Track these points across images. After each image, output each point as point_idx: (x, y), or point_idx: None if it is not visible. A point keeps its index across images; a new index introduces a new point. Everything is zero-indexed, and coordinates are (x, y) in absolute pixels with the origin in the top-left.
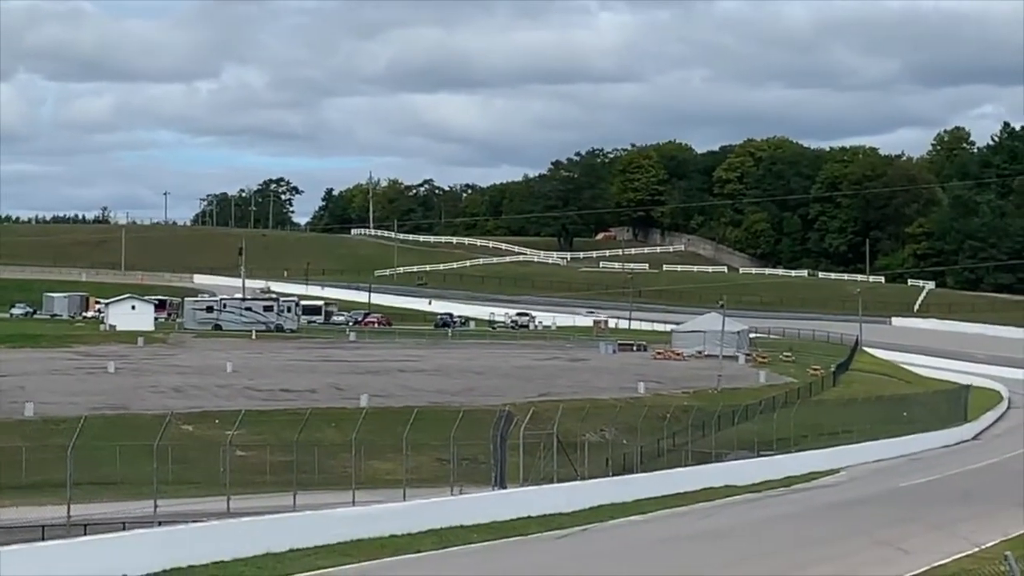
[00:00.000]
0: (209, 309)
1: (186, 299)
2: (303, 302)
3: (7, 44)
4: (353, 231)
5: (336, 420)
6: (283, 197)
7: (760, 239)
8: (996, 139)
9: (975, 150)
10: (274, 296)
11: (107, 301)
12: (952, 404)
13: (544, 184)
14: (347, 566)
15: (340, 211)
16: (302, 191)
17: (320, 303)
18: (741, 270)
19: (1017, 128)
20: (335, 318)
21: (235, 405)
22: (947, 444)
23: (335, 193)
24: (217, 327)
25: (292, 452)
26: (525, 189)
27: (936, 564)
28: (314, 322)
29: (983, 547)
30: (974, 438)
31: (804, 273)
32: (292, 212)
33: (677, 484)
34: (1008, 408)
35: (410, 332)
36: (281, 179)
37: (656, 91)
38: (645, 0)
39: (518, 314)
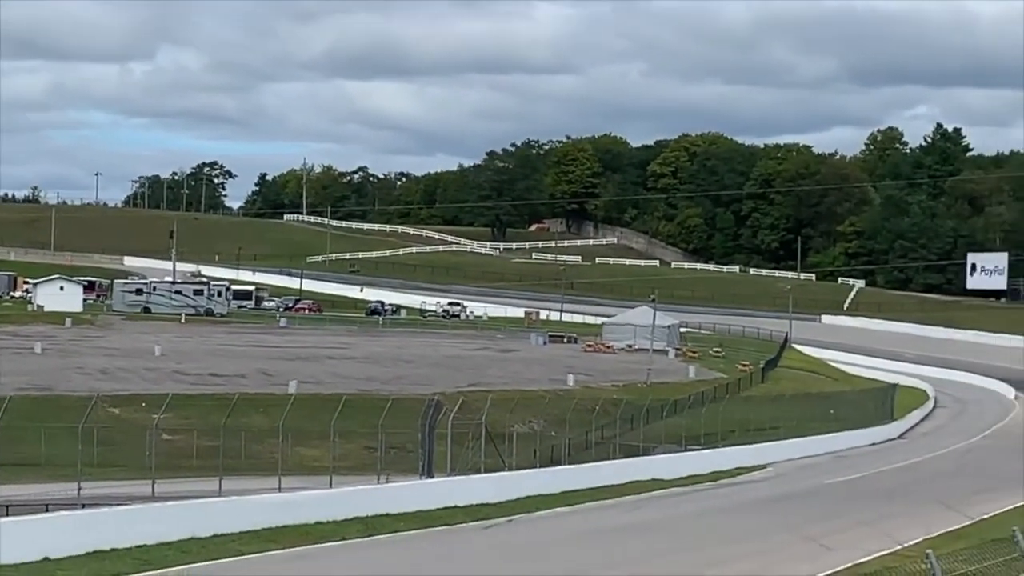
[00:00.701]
0: (139, 292)
1: (116, 281)
2: (234, 287)
3: None
4: (286, 216)
5: (264, 406)
6: (216, 181)
7: (693, 234)
8: (928, 140)
9: (908, 150)
10: (205, 280)
11: (35, 281)
12: (879, 403)
13: (479, 174)
14: (272, 552)
15: (273, 196)
16: (235, 175)
17: (251, 288)
18: (673, 265)
19: (949, 130)
20: (266, 303)
21: (163, 388)
22: (873, 442)
23: (269, 178)
24: (146, 310)
25: (219, 437)
26: (460, 179)
27: (859, 561)
28: (244, 307)
29: (906, 545)
30: (900, 437)
31: (736, 269)
32: (225, 196)
33: (604, 477)
34: (934, 407)
35: (341, 319)
36: (215, 163)
37: (593, 84)
38: None
39: (450, 303)
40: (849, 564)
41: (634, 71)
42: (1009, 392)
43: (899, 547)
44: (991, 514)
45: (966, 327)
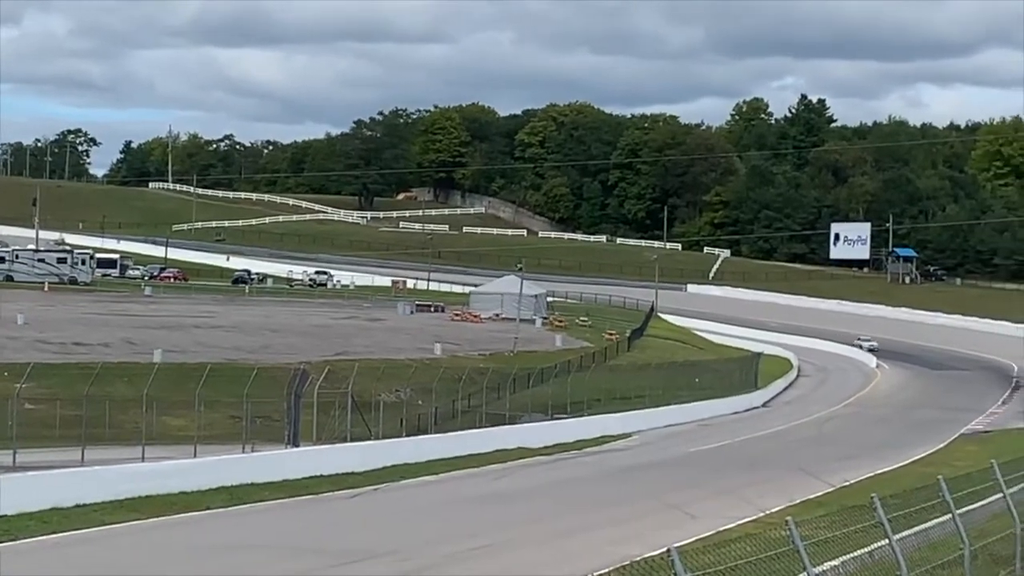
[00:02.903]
0: (1, 260)
1: None
2: (98, 255)
3: None
4: (151, 185)
5: (128, 375)
6: (80, 148)
7: (560, 204)
8: (793, 111)
9: (773, 121)
10: (68, 248)
11: None
12: (743, 371)
13: (346, 143)
14: (134, 522)
15: (138, 164)
16: (100, 142)
17: (115, 256)
18: (540, 234)
19: (814, 101)
20: (131, 272)
21: (25, 357)
22: (737, 411)
23: (134, 146)
24: (9, 278)
25: (82, 406)
26: (327, 147)
27: (722, 528)
28: (109, 275)
29: (768, 512)
30: (764, 405)
31: (603, 238)
32: (89, 164)
33: (471, 445)
34: (798, 376)
35: (207, 288)
36: (79, 130)
37: (462, 53)
38: None
39: (316, 272)
40: (712, 531)
41: (504, 40)
42: (871, 361)
43: (761, 514)
44: (852, 481)
45: (830, 296)
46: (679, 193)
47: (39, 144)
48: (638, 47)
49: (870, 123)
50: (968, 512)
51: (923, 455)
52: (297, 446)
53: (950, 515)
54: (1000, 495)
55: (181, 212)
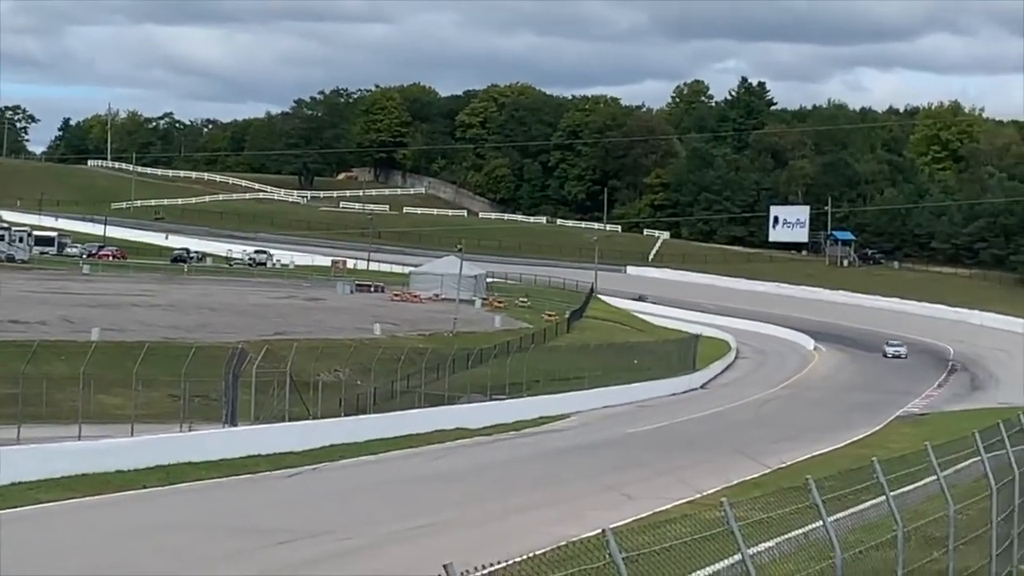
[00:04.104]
0: None
1: None
2: (36, 232)
3: None
4: (90, 162)
5: (66, 353)
6: (19, 125)
7: (500, 184)
8: (733, 94)
9: (713, 104)
10: (5, 225)
11: None
12: (682, 353)
13: (286, 122)
14: (70, 501)
15: (77, 141)
16: (39, 119)
17: (53, 234)
18: (481, 215)
19: (754, 84)
20: (69, 250)
21: None
22: (675, 392)
23: (73, 123)
24: None
25: (18, 384)
26: (267, 126)
27: (658, 509)
28: (46, 253)
29: (705, 493)
30: (702, 387)
31: (543, 220)
32: (28, 140)
33: (409, 426)
34: (736, 358)
35: (145, 266)
36: (18, 106)
37: (406, 34)
38: None
39: (256, 251)
40: (649, 512)
41: (447, 21)
42: (808, 343)
43: (698, 495)
44: (788, 463)
45: (768, 279)
46: (619, 175)
47: None
48: (582, 29)
49: (810, 107)
50: (902, 494)
51: (859, 437)
52: (235, 425)
53: (884, 497)
54: (934, 477)
55: (120, 190)
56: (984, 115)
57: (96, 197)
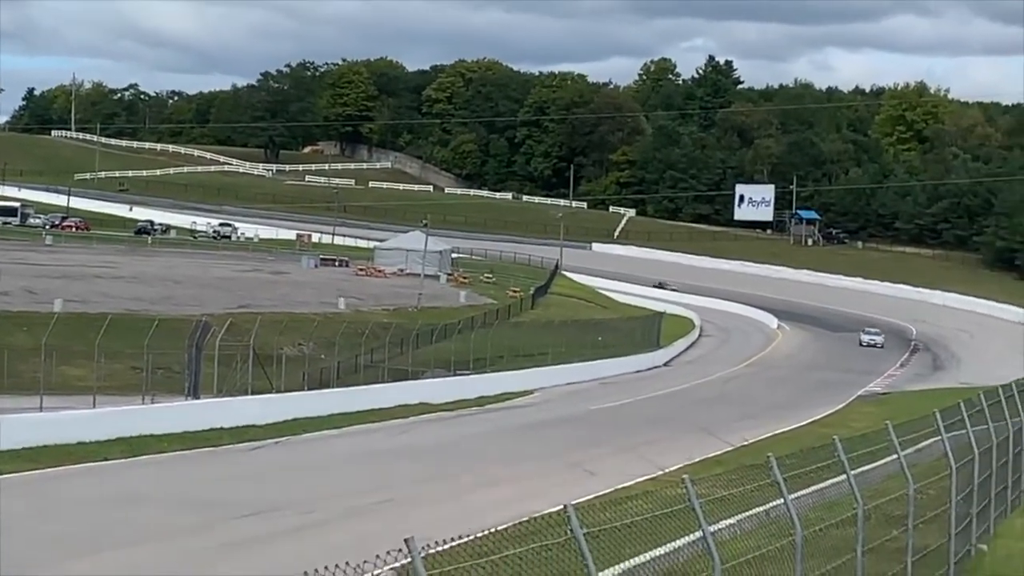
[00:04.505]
0: None
1: None
2: None
3: None
4: (54, 133)
5: (28, 324)
6: None
7: (467, 160)
8: (700, 72)
9: (680, 82)
10: None
11: None
12: (646, 330)
13: (252, 95)
14: (31, 472)
15: (41, 112)
16: (2, 89)
17: (16, 204)
18: (447, 190)
19: (721, 62)
20: (32, 220)
21: None
22: (639, 370)
23: (37, 93)
24: None
25: None
26: (233, 99)
27: (621, 486)
28: (9, 223)
29: (667, 470)
30: (666, 364)
31: (509, 196)
32: None
33: (373, 400)
34: (700, 336)
35: (109, 238)
36: None
37: (374, 8)
38: None
39: (220, 224)
40: (611, 489)
41: None
42: (772, 322)
43: (660, 472)
44: (751, 441)
45: (733, 257)
46: (585, 152)
47: None
48: (550, 6)
49: (777, 86)
50: (863, 473)
51: (821, 416)
52: (198, 398)
53: (845, 475)
54: (895, 456)
55: (84, 161)
56: (949, 96)
57: (60, 168)
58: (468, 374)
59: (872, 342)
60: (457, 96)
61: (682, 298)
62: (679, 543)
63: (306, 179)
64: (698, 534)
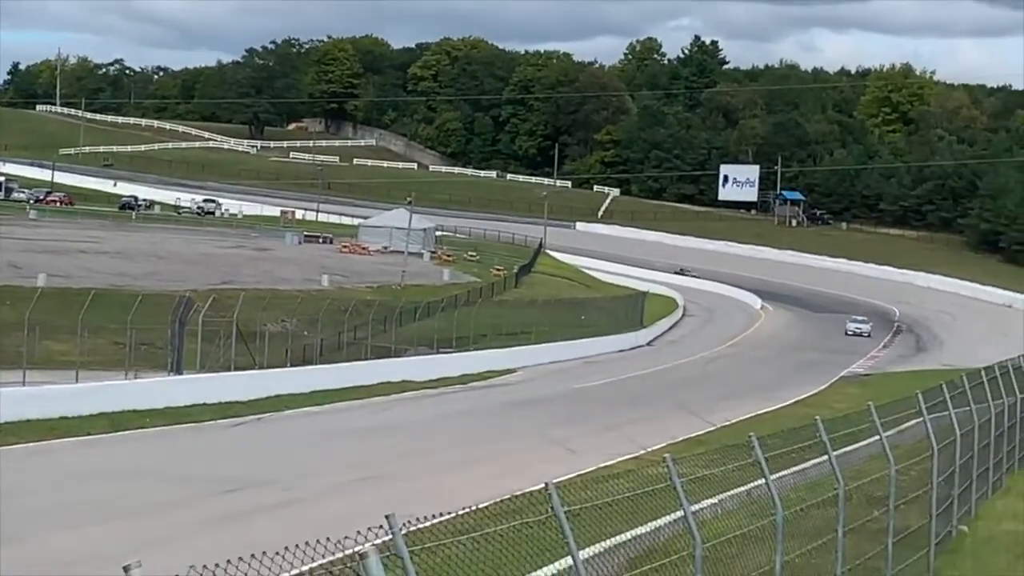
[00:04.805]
0: None
1: None
2: None
3: None
4: (38, 107)
5: (11, 298)
6: None
7: (451, 138)
8: (686, 52)
9: (665, 62)
10: None
11: None
12: (629, 310)
13: (237, 71)
14: (14, 446)
15: (26, 86)
16: None
17: (0, 178)
18: (431, 168)
19: (707, 42)
20: (16, 194)
21: None
22: (622, 349)
23: (22, 67)
24: None
25: None
26: (218, 75)
27: (602, 464)
28: None
29: (649, 449)
30: (649, 344)
31: (493, 174)
32: None
33: (356, 377)
34: (683, 316)
35: (93, 213)
36: None
37: None
38: None
39: (205, 200)
40: (593, 467)
41: None
42: (756, 302)
43: (642, 451)
44: (732, 421)
45: (717, 237)
46: (570, 131)
47: None
48: None
49: (762, 66)
50: (845, 453)
51: (804, 396)
52: (181, 374)
53: (827, 456)
54: (877, 437)
55: (69, 136)
56: (935, 78)
57: (44, 142)
58: (451, 352)
59: (858, 331)
60: (442, 74)
61: (666, 278)
62: (660, 522)
63: (290, 156)
64: (679, 513)
